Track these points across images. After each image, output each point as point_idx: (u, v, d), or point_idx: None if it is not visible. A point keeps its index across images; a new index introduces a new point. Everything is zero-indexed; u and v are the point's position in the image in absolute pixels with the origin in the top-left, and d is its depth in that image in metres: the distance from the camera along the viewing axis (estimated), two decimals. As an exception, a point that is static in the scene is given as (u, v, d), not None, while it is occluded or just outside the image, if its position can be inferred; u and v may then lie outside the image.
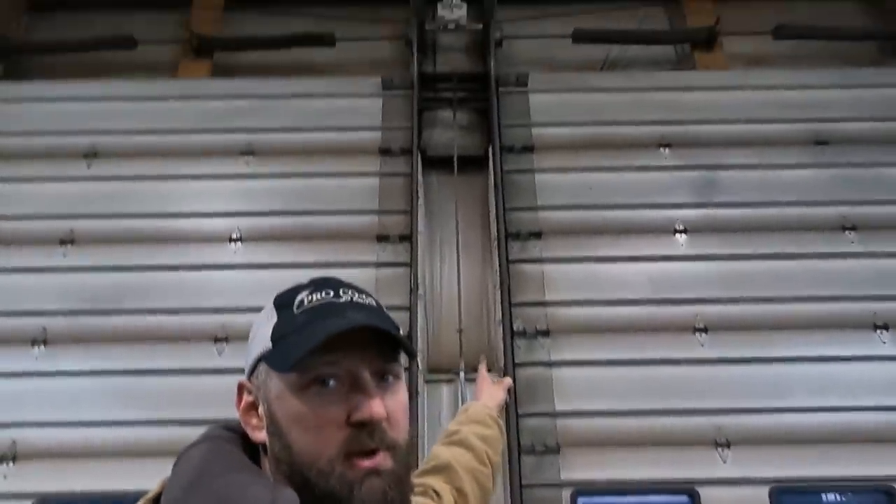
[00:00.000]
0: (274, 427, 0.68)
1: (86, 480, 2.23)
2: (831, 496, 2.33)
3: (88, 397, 2.37)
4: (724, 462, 2.26)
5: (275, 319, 0.71)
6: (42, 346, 2.44)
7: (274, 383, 0.69)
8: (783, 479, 2.22)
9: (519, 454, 2.25)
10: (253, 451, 0.71)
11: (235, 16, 3.32)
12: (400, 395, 0.72)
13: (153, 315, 2.47)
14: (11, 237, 2.63)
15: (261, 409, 0.70)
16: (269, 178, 2.74)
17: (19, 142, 2.81)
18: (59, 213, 2.66)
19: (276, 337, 0.70)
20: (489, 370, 1.63)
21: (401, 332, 0.73)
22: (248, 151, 2.79)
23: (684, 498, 2.25)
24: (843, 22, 3.17)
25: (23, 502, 2.20)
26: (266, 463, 0.70)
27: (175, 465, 0.67)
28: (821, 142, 2.80)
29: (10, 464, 2.27)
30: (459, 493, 1.12)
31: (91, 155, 2.79)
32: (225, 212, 2.67)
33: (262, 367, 0.70)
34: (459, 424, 1.33)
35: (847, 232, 2.62)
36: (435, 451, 1.23)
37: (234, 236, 2.62)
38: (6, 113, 2.89)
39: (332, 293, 0.72)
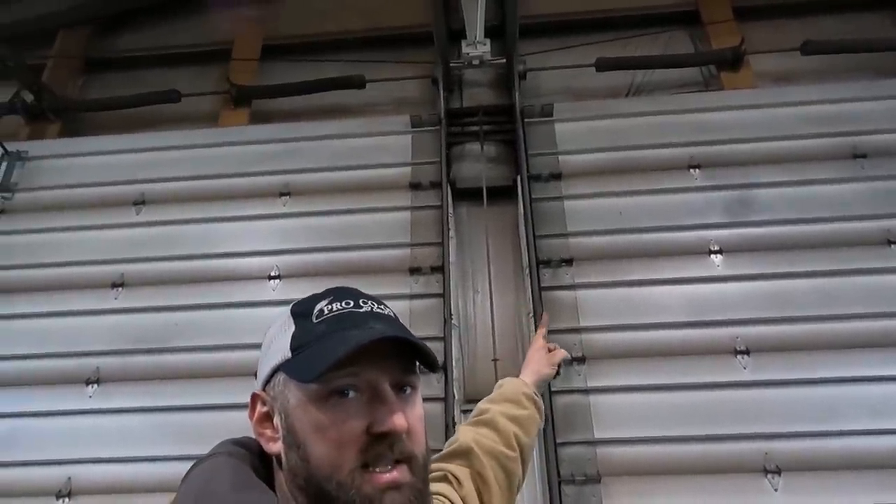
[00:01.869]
0: (291, 438, 0.67)
1: (138, 516, 2.32)
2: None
3: (139, 434, 2.46)
4: (776, 490, 2.17)
5: (293, 329, 0.71)
6: (95, 385, 2.56)
7: (293, 393, 0.68)
8: (839, 508, 2.12)
9: (560, 484, 2.22)
10: (263, 464, 0.70)
11: (270, 66, 3.50)
12: (418, 406, 0.72)
13: (199, 352, 2.57)
14: (67, 282, 2.79)
15: (276, 420, 0.69)
16: (305, 217, 2.84)
17: (74, 193, 3.01)
18: (110, 259, 2.82)
19: (295, 346, 0.69)
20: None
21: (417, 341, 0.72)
22: (285, 192, 2.91)
23: (735, 529, 2.17)
24: (870, 33, 3.12)
25: (78, 538, 2.30)
26: (280, 476, 0.69)
27: (182, 483, 0.67)
28: (858, 155, 2.74)
29: (66, 500, 2.37)
30: (481, 478, 1.05)
31: (140, 202, 2.96)
32: (264, 251, 2.78)
33: (280, 377, 0.70)
34: (490, 402, 1.24)
35: (892, 246, 2.53)
36: (459, 431, 1.16)
37: (273, 273, 2.72)
38: (62, 167, 3.10)
39: (351, 303, 0.72)
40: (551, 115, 2.98)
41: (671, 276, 2.55)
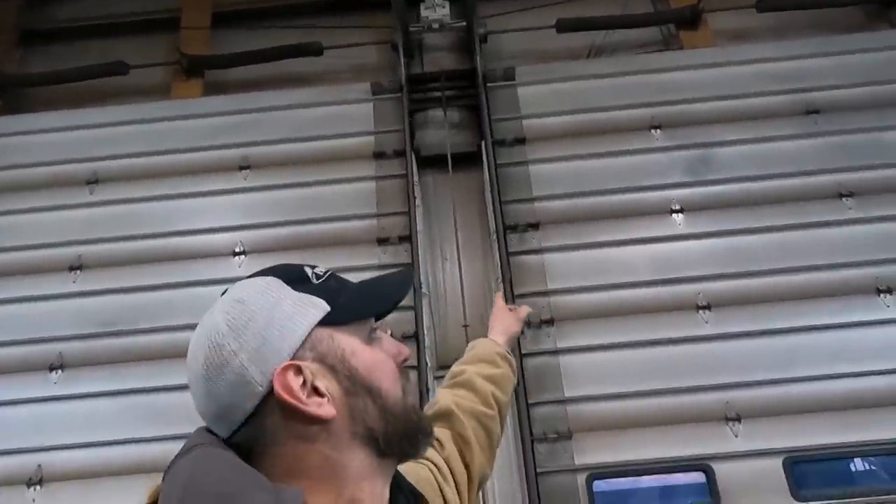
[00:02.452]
0: (357, 384, 0.68)
1: (110, 499, 2.29)
2: (846, 463, 2.35)
3: (107, 418, 2.42)
4: (736, 436, 2.28)
5: (299, 293, 0.69)
6: (59, 371, 2.50)
7: (345, 341, 0.69)
8: (796, 449, 2.24)
9: (532, 443, 2.28)
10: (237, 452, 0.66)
11: (223, 34, 3.36)
12: None
13: (165, 333, 2.52)
14: (22, 267, 2.69)
15: (323, 382, 0.66)
16: (267, 190, 2.79)
17: (22, 173, 2.87)
18: (65, 241, 2.72)
19: (329, 300, 0.70)
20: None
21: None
22: (245, 165, 2.84)
23: (699, 475, 2.27)
24: (826, -11, 3.17)
25: (52, 524, 2.27)
26: (307, 448, 0.65)
27: (164, 480, 0.63)
28: (812, 111, 2.80)
29: (38, 487, 2.33)
30: (462, 439, 1.08)
31: (93, 181, 2.85)
32: (227, 226, 2.72)
33: (323, 334, 0.67)
34: (465, 364, 1.26)
35: (844, 199, 2.62)
36: (437, 394, 1.19)
37: (237, 249, 2.67)
38: (7, 146, 2.95)
39: (322, 268, 0.77)
40: (513, 78, 2.95)
41: (635, 236, 2.60)
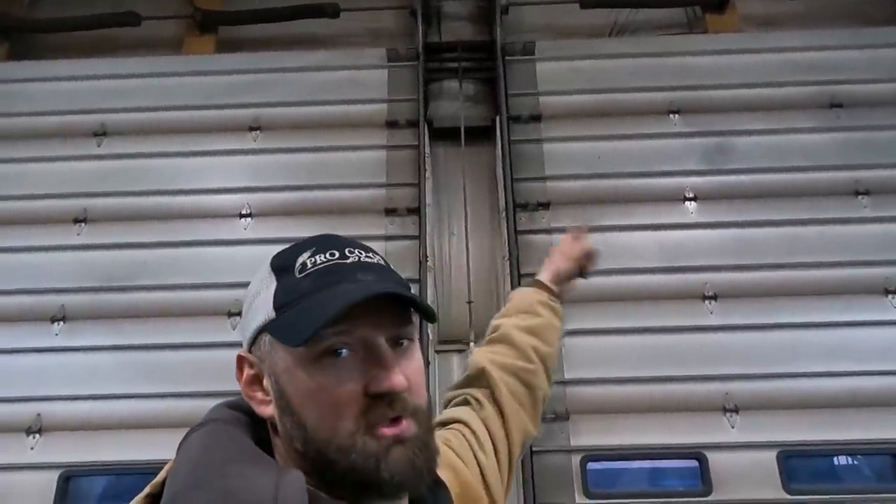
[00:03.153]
0: (284, 403, 0.62)
1: (108, 451, 2.32)
2: (840, 460, 2.36)
3: (108, 372, 2.43)
4: (733, 427, 2.29)
5: (275, 285, 0.64)
6: (61, 323, 2.50)
7: (281, 356, 0.62)
8: (791, 444, 2.25)
9: (529, 421, 2.28)
10: (260, 427, 0.66)
11: (238, -11, 3.28)
12: (416, 358, 0.66)
13: (168, 291, 2.51)
14: (26, 216, 2.67)
15: (266, 382, 0.64)
16: (276, 153, 2.75)
17: (28, 121, 2.83)
18: (71, 192, 2.70)
19: (279, 305, 0.63)
20: None
21: (411, 290, 0.67)
22: (256, 126, 2.80)
23: (693, 462, 2.29)
24: (860, -21, 3.07)
25: (50, 472, 2.30)
26: (276, 440, 0.65)
27: (177, 452, 0.62)
28: (836, 104, 2.75)
29: (37, 436, 2.35)
30: (497, 398, 1.01)
31: (100, 133, 2.81)
32: (235, 188, 2.69)
33: (266, 339, 0.64)
34: (502, 317, 1.16)
35: (860, 196, 2.58)
36: (474, 353, 1.11)
37: (244, 212, 2.64)
38: (13, 93, 2.90)
39: (337, 254, 0.65)
40: (533, 53, 2.89)
41: (646, 221, 2.57)
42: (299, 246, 0.67)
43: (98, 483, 2.40)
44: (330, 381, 0.61)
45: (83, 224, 2.67)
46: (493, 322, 1.16)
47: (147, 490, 0.61)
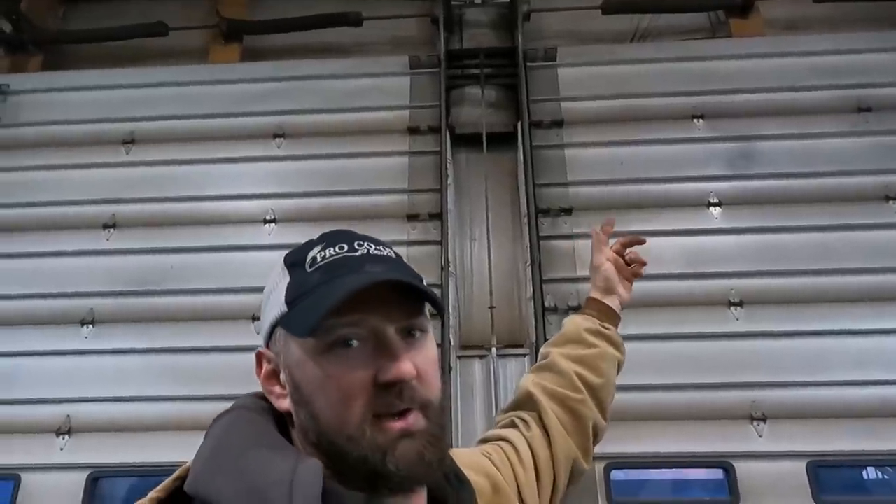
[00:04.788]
0: (298, 395, 0.64)
1: (136, 453, 2.35)
2: (872, 471, 2.31)
3: (136, 374, 2.47)
4: (760, 436, 2.25)
5: (287, 280, 0.66)
6: (91, 326, 2.56)
7: (293, 349, 0.64)
8: (821, 454, 2.20)
9: (551, 428, 2.27)
10: (284, 418, 0.68)
11: (263, 0, 3.34)
12: (428, 350, 0.67)
13: (194, 295, 2.55)
14: (57, 222, 2.74)
15: (282, 377, 0.66)
16: (300, 160, 2.79)
17: (60, 130, 2.91)
18: (100, 199, 2.76)
19: (290, 299, 0.64)
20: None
21: (424, 282, 0.68)
22: (280, 134, 2.83)
23: (719, 472, 2.25)
24: (887, -18, 3.03)
25: (79, 473, 2.34)
26: (294, 433, 0.67)
27: (205, 437, 0.66)
28: (864, 108, 2.70)
29: (66, 437, 2.40)
30: (545, 422, 1.01)
31: (129, 141, 2.88)
32: (259, 193, 2.73)
33: (280, 333, 0.66)
34: (552, 346, 1.15)
35: (890, 202, 2.53)
36: (522, 380, 1.11)
37: (268, 217, 2.68)
38: (46, 102, 2.98)
39: (346, 247, 0.67)
40: (555, 59, 2.89)
41: (669, 227, 2.55)
42: (312, 241, 0.70)
43: (125, 484, 2.44)
44: (339, 371, 0.62)
45: (112, 230, 2.72)
46: (543, 350, 1.15)
47: (177, 473, 0.64)
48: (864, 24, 2.96)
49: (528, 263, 2.53)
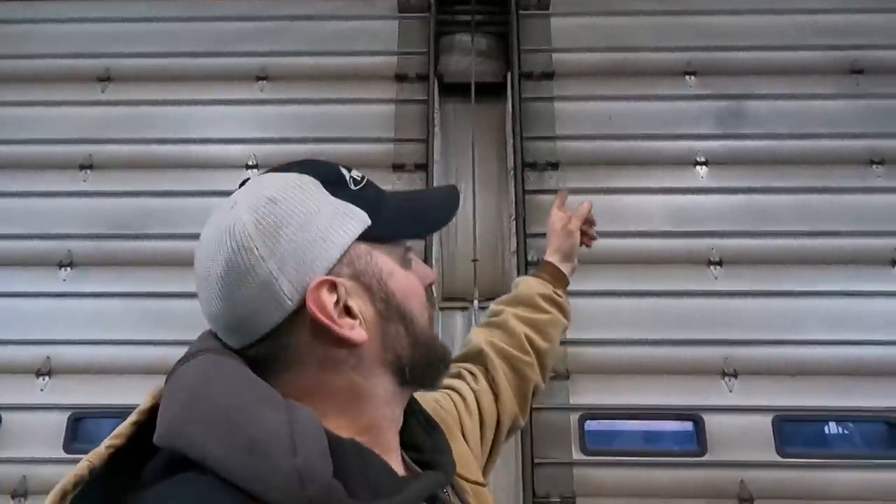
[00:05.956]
0: (391, 310, 0.62)
1: (116, 395, 2.37)
2: (833, 426, 2.40)
3: (115, 318, 2.46)
4: (731, 391, 2.32)
5: (339, 199, 0.62)
6: (69, 269, 2.52)
7: (381, 261, 0.63)
8: (787, 408, 2.29)
9: (529, 379, 2.32)
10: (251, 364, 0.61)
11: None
12: None
13: (175, 240, 2.52)
14: (31, 161, 2.66)
15: (356, 303, 0.60)
16: (283, 104, 2.71)
17: (30, 64, 2.78)
18: (76, 139, 2.67)
19: (369, 212, 0.63)
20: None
21: None
22: (262, 76, 2.75)
23: (689, 424, 2.33)
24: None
25: (60, 413, 2.36)
26: (347, 368, 0.61)
27: (169, 379, 0.57)
28: (856, 70, 2.68)
29: (46, 378, 2.40)
30: (493, 379, 1.02)
31: (105, 79, 2.77)
32: (241, 138, 2.67)
33: (360, 250, 0.61)
34: (503, 304, 1.16)
35: (874, 166, 2.55)
36: (472, 333, 1.12)
37: (250, 163, 2.63)
38: (18, 34, 2.85)
39: (360, 173, 0.68)
40: (548, 8, 2.81)
41: (655, 185, 2.55)
42: (319, 164, 0.65)
43: (106, 425, 2.46)
44: (418, 277, 0.67)
45: (89, 170, 2.65)
46: (494, 307, 1.16)
47: (133, 418, 0.56)
48: (863, -17, 2.90)
49: (513, 217, 2.53)
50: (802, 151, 2.58)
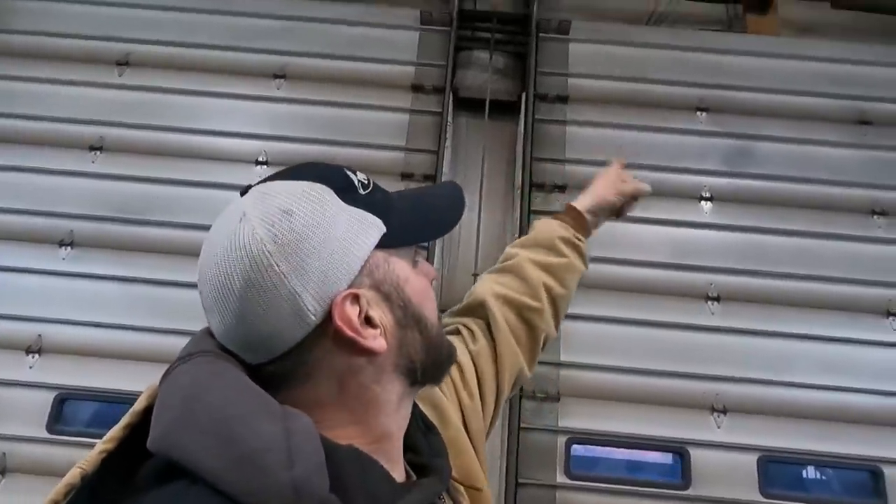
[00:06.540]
0: (408, 316, 0.62)
1: (105, 379, 2.35)
2: (811, 470, 2.41)
3: (112, 301, 2.45)
4: (719, 427, 2.33)
5: (351, 206, 0.60)
6: (69, 248, 2.51)
7: (398, 267, 0.62)
8: (772, 449, 2.30)
9: (520, 398, 2.32)
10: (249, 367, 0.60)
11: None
12: None
13: (178, 229, 2.52)
14: (41, 138, 2.65)
15: (376, 312, 0.59)
16: (299, 104, 2.73)
17: (52, 42, 2.79)
18: (89, 119, 2.68)
19: (382, 217, 0.62)
20: None
21: None
22: (280, 75, 2.76)
23: (675, 457, 2.33)
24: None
25: (46, 392, 2.34)
26: (362, 376, 0.60)
27: (165, 381, 0.56)
28: (864, 121, 2.72)
29: (36, 356, 2.38)
30: (493, 335, 0.96)
31: (123, 63, 2.78)
32: (254, 133, 2.68)
33: (378, 258, 0.60)
34: (519, 246, 1.08)
35: (876, 216, 2.58)
36: (479, 280, 1.04)
37: (260, 159, 2.64)
38: (39, 11, 2.85)
39: (365, 175, 0.66)
40: (567, 32, 2.85)
41: (660, 216, 2.57)
42: (326, 169, 0.63)
43: (91, 408, 2.44)
44: (427, 277, 0.67)
45: (98, 152, 2.66)
46: (509, 249, 1.08)
47: (125, 420, 0.56)
48: (877, 37, 2.95)
49: (516, 235, 2.54)
50: (806, 196, 2.61)
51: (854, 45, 2.85)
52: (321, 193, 0.59)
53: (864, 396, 2.36)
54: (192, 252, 2.49)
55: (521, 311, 0.99)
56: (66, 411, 2.36)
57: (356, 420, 0.61)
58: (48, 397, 2.33)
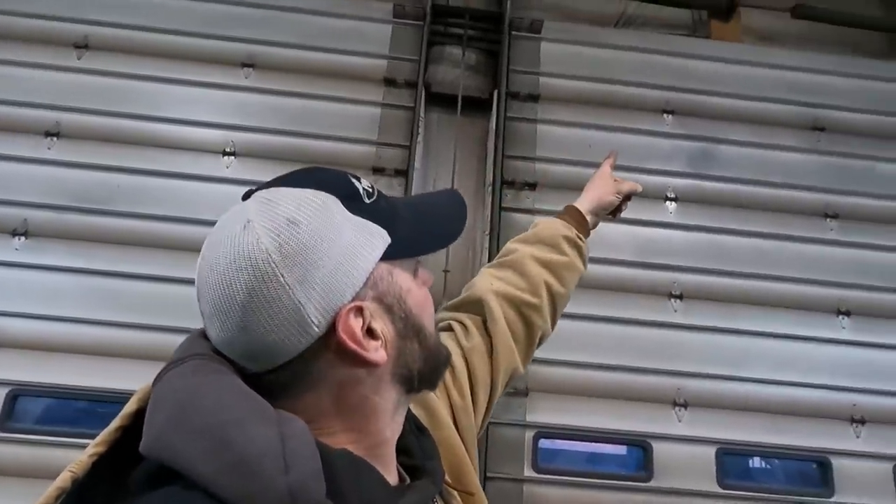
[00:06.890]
0: (409, 327, 0.62)
1: (61, 374, 2.27)
2: (765, 462, 2.53)
3: (69, 294, 2.36)
4: (680, 421, 2.41)
5: (357, 216, 0.60)
6: (23, 238, 2.41)
7: (401, 278, 0.62)
8: (729, 442, 2.39)
9: (489, 394, 2.35)
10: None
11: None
12: None
13: (140, 220, 2.44)
14: (-5, 122, 2.53)
15: (378, 324, 0.59)
16: (268, 94, 2.67)
17: (6, 21, 2.65)
18: (45, 104, 2.56)
19: (387, 227, 0.62)
20: None
21: None
22: (249, 63, 2.70)
23: (637, 450, 2.40)
24: (862, 10, 3.14)
25: (-2, 389, 2.24)
26: (361, 386, 0.60)
27: (157, 384, 0.55)
28: (818, 128, 2.84)
29: (-10, 352, 2.28)
30: (489, 332, 0.95)
31: (82, 46, 2.67)
32: (220, 123, 2.61)
33: (382, 269, 0.60)
34: (520, 242, 1.07)
35: (828, 219, 2.70)
36: (478, 276, 1.04)
37: (228, 149, 2.57)
38: (-9, -12, 2.72)
39: (369, 182, 0.66)
40: (539, 32, 2.87)
41: (626, 216, 2.59)
42: (332, 175, 0.63)
43: (45, 404, 2.35)
44: (426, 284, 0.67)
45: (55, 138, 2.54)
46: (510, 245, 1.08)
47: (117, 423, 0.55)
48: (832, 47, 3.08)
49: (487, 232, 2.56)
50: (764, 198, 2.71)
51: (811, 55, 2.98)
52: (327, 203, 0.58)
53: (816, 391, 2.48)
54: (156, 244, 2.41)
55: (519, 307, 0.99)
56: (19, 408, 2.27)
57: (352, 427, 0.61)
58: (0, 393, 2.23)
